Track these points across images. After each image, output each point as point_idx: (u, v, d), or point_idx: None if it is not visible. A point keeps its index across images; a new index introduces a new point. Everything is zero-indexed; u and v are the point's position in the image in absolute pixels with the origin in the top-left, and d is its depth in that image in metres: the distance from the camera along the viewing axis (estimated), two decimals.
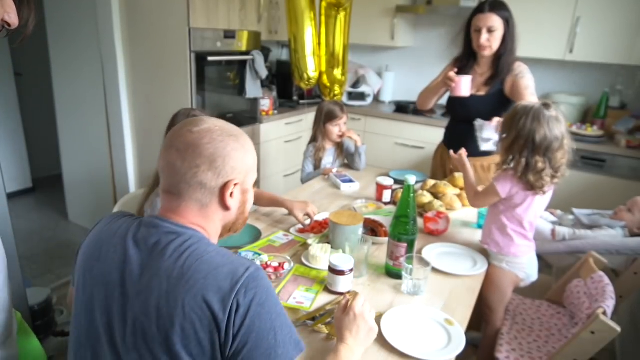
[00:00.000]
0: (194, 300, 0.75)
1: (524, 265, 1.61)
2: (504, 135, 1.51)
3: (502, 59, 2.09)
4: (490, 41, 2.06)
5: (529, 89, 2.02)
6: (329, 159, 2.53)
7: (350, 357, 0.96)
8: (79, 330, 0.87)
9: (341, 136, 2.48)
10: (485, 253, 1.63)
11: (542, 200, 1.54)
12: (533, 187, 1.46)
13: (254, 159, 0.91)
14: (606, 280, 1.52)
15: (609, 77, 3.28)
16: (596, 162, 2.91)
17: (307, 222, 1.73)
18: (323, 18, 3.43)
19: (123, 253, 0.84)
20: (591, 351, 1.36)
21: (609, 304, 1.38)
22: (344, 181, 2.21)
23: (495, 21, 2.02)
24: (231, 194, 0.86)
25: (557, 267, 2.17)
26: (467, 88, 2.05)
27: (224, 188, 0.85)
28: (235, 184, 0.86)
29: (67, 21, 3.01)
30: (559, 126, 1.43)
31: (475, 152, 1.99)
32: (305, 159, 2.52)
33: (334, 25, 3.41)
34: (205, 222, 0.88)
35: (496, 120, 1.86)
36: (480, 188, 1.66)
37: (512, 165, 1.49)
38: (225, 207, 0.88)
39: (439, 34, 3.81)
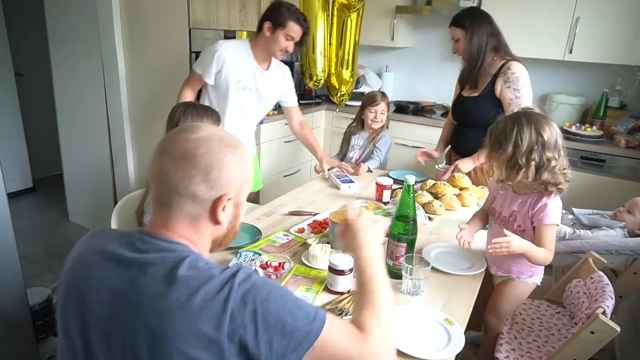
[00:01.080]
0: (187, 329, 0.71)
1: (539, 272, 1.60)
2: (497, 151, 1.44)
3: (473, 63, 2.16)
4: (457, 49, 2.21)
5: (512, 103, 2.06)
6: (358, 141, 2.69)
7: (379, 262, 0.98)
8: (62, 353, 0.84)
9: (376, 122, 2.61)
10: (485, 252, 1.63)
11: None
12: (547, 189, 1.41)
13: (250, 171, 0.87)
14: (606, 280, 1.53)
15: (608, 77, 3.28)
16: (595, 162, 2.92)
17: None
18: (335, 19, 3.46)
19: (111, 271, 0.79)
20: (591, 351, 1.36)
21: (609, 303, 1.38)
22: (344, 182, 2.21)
23: (455, 32, 2.18)
24: (223, 208, 0.82)
25: (557, 267, 2.17)
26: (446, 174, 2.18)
27: (217, 202, 0.81)
28: (229, 199, 0.82)
29: (68, 21, 3.01)
30: (553, 123, 1.42)
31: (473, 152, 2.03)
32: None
33: (346, 27, 3.45)
34: (196, 236, 0.84)
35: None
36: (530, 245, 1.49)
37: (518, 176, 1.41)
38: (216, 222, 0.83)
39: (439, 34, 3.81)
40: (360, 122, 2.71)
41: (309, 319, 0.77)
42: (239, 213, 0.88)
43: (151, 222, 0.85)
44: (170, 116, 1.70)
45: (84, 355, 0.79)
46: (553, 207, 1.43)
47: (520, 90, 2.06)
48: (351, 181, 2.22)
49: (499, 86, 2.11)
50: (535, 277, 1.60)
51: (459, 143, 2.33)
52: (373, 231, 1.05)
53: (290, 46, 2.12)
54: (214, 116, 1.73)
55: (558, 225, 1.46)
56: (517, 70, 2.07)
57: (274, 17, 2.07)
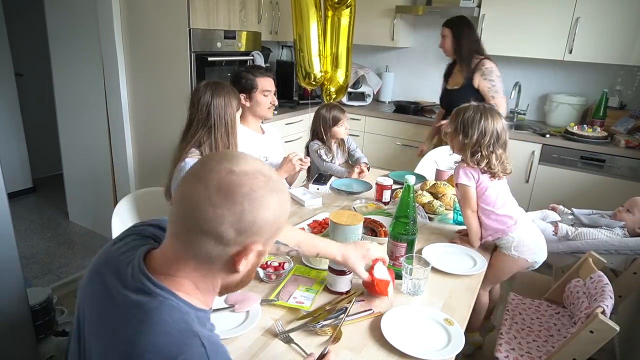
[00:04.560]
0: None
1: (532, 250, 1.63)
2: (461, 135, 1.59)
3: (459, 59, 2.74)
4: (443, 45, 2.81)
5: (490, 90, 2.64)
6: (339, 158, 2.59)
7: None
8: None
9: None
10: (484, 253, 1.63)
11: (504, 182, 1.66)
12: (494, 175, 1.59)
13: (287, 216, 0.77)
14: (605, 280, 1.53)
15: (608, 77, 3.29)
16: (595, 162, 2.92)
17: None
18: (329, 20, 3.44)
19: (103, 292, 0.75)
20: (590, 350, 1.36)
21: (608, 303, 1.38)
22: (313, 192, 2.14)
23: (444, 31, 2.78)
24: (247, 257, 0.71)
25: (557, 267, 2.18)
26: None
27: (242, 250, 0.70)
28: (255, 248, 0.71)
29: (68, 21, 3.01)
30: (502, 119, 1.61)
31: None
32: (319, 154, 2.52)
33: (338, 26, 3.42)
34: (200, 280, 0.73)
35: None
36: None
37: (476, 161, 1.59)
38: (235, 270, 0.72)
39: (438, 34, 3.79)
40: (325, 140, 2.53)
41: None
42: (259, 261, 0.77)
43: (161, 251, 0.76)
44: (194, 95, 1.74)
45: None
46: (462, 170, 1.60)
47: (494, 81, 2.64)
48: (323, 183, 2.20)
49: (476, 79, 2.66)
50: (525, 254, 1.63)
51: None
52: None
53: (273, 99, 2.15)
54: (235, 95, 1.78)
55: (468, 186, 1.60)
56: (489, 65, 2.64)
57: (243, 87, 2.08)
